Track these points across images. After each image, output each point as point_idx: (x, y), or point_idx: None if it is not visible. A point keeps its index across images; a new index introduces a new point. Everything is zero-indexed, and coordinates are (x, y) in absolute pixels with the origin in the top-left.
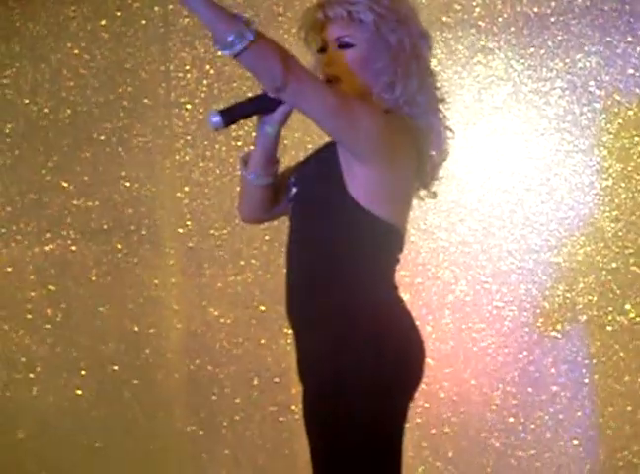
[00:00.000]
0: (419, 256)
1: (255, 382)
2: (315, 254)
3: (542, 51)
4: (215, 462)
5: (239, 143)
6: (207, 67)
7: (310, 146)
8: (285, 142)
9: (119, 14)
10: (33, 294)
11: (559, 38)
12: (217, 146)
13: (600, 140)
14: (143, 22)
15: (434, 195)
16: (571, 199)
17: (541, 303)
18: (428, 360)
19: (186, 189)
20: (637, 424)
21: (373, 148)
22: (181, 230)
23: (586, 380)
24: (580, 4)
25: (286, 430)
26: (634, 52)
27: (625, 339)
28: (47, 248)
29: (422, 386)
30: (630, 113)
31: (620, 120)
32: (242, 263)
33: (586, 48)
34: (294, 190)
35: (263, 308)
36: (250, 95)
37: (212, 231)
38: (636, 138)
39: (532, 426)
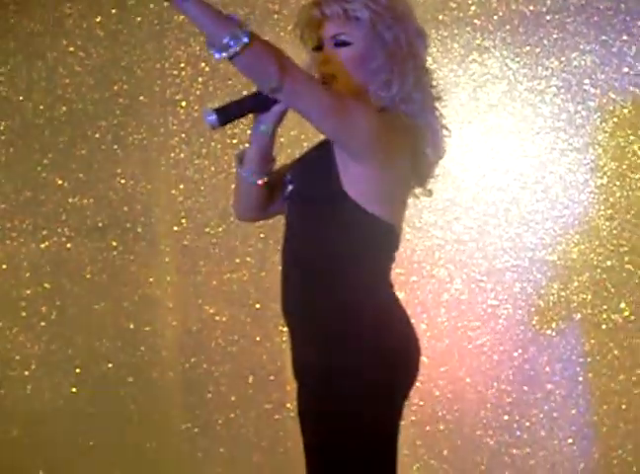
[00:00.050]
0: (414, 254)
1: (250, 380)
2: (311, 252)
3: (538, 50)
4: (211, 460)
5: (234, 141)
6: (203, 65)
7: (306, 144)
8: (281, 140)
9: (114, 11)
10: (28, 292)
11: (554, 36)
12: (213, 144)
13: (595, 139)
14: (139, 19)
15: (429, 192)
16: (566, 198)
17: (536, 301)
18: (423, 358)
19: (181, 186)
20: (631, 422)
21: (369, 147)
22: (176, 228)
23: (580, 378)
24: (575, 2)
25: (282, 427)
26: (629, 51)
27: (620, 337)
28: (43, 245)
29: (417, 384)
30: (625, 111)
31: (615, 119)
32: (237, 260)
33: (581, 47)
34: (290, 187)
35: (258, 306)
36: (245, 93)
37: (208, 229)
38: (631, 137)
39: (527, 424)
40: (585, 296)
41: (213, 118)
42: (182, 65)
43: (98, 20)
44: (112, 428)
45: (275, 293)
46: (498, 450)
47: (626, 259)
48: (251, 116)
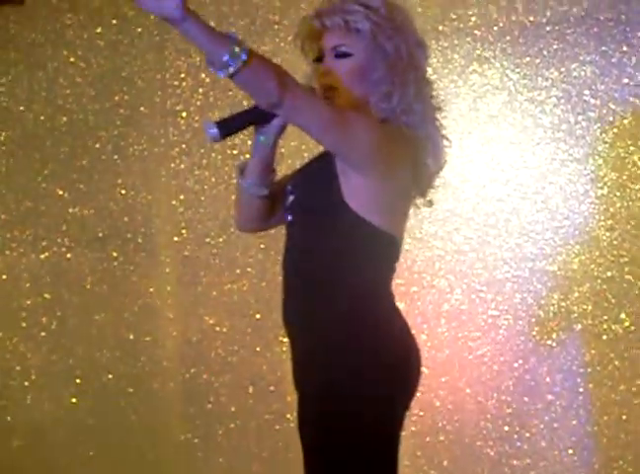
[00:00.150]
0: (414, 264)
1: (250, 390)
2: (311, 262)
3: (538, 61)
4: (211, 470)
5: (235, 152)
6: (203, 76)
7: (306, 155)
8: (282, 151)
9: (114, 22)
10: (28, 302)
11: (554, 47)
12: (213, 155)
13: (595, 149)
14: (139, 30)
15: (430, 203)
16: (566, 208)
17: (536, 312)
18: (423, 369)
19: (181, 197)
20: (632, 433)
21: (370, 159)
22: (176, 238)
23: (581, 389)
24: (575, 13)
25: (282, 438)
26: (629, 62)
27: (620, 348)
28: (43, 256)
29: (417, 395)
30: (625, 122)
31: (615, 130)
32: (238, 271)
33: (581, 58)
34: (291, 198)
35: (258, 316)
36: (246, 104)
37: (208, 239)
38: (631, 147)
39: (527, 434)
40: (585, 307)
41: (215, 131)
42: (182, 76)
43: (98, 30)
44: (112, 438)
45: (275, 304)
46: (498, 461)
47: (626, 269)
48: (251, 127)
